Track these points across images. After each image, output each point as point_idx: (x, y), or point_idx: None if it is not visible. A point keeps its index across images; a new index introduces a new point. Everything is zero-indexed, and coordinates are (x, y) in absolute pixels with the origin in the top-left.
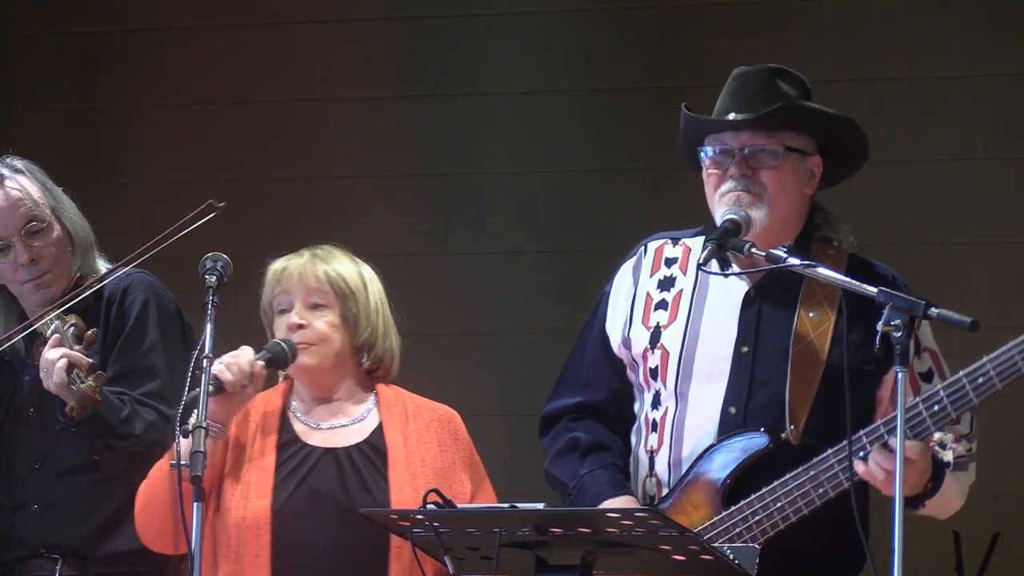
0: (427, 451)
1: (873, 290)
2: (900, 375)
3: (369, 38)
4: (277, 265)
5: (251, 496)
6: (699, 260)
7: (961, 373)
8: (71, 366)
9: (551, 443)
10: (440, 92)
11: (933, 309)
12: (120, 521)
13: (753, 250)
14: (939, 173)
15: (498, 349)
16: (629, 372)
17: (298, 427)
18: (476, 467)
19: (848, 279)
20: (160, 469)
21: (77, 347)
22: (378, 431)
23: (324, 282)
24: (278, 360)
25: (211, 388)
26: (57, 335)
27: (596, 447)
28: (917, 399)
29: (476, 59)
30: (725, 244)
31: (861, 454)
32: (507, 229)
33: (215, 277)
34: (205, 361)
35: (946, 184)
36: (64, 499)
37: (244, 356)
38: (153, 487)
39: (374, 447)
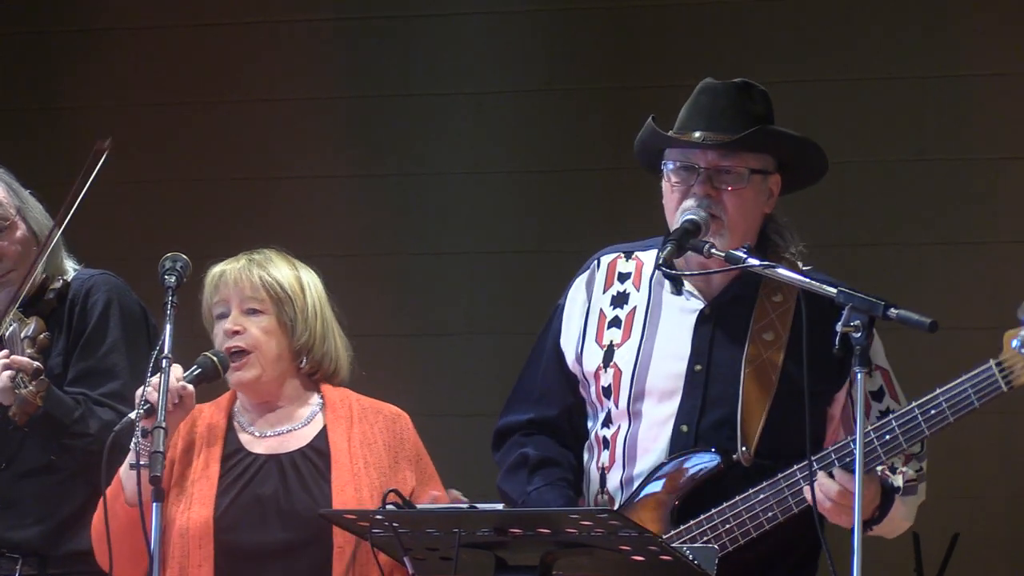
0: (371, 452)
1: (833, 291)
2: (860, 375)
3: (328, 38)
4: (215, 270)
5: (194, 507)
6: (658, 260)
7: (914, 404)
8: (16, 371)
9: (502, 459)
10: (398, 92)
11: (892, 310)
12: (80, 520)
13: (713, 250)
14: (897, 174)
15: (456, 350)
16: (581, 389)
17: (243, 437)
18: (423, 465)
19: (807, 279)
20: (112, 513)
21: (29, 351)
22: (322, 434)
23: (259, 287)
24: (208, 374)
25: (143, 411)
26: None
27: (544, 463)
28: (869, 429)
29: (435, 59)
30: (685, 244)
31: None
32: (465, 229)
33: (174, 278)
34: (164, 361)
35: (904, 185)
36: (26, 499)
37: (171, 376)
38: (109, 534)
39: (317, 450)
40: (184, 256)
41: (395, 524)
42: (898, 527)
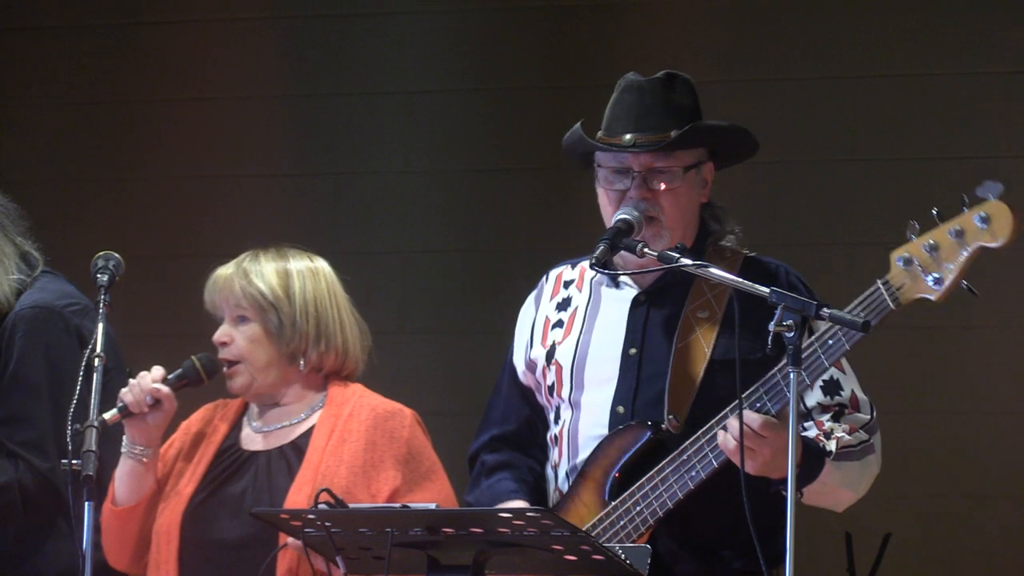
0: (348, 450)
1: (765, 291)
2: (792, 375)
3: (260, 36)
4: (213, 275)
5: (170, 504)
6: (592, 260)
7: (812, 339)
8: None
9: (470, 476)
10: (331, 91)
11: (825, 310)
12: (17, 554)
13: (646, 250)
14: (829, 173)
15: (389, 349)
16: (537, 396)
17: (244, 432)
18: (415, 465)
19: (739, 279)
20: (106, 512)
21: None
22: (308, 432)
23: (241, 297)
24: (189, 377)
25: (117, 411)
26: None
27: (500, 466)
28: (775, 370)
29: (367, 58)
30: (618, 244)
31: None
32: (398, 229)
33: (107, 276)
34: (96, 360)
35: (837, 184)
36: None
37: (148, 376)
38: (105, 531)
39: (297, 447)
40: (117, 255)
41: (327, 523)
42: (837, 495)
